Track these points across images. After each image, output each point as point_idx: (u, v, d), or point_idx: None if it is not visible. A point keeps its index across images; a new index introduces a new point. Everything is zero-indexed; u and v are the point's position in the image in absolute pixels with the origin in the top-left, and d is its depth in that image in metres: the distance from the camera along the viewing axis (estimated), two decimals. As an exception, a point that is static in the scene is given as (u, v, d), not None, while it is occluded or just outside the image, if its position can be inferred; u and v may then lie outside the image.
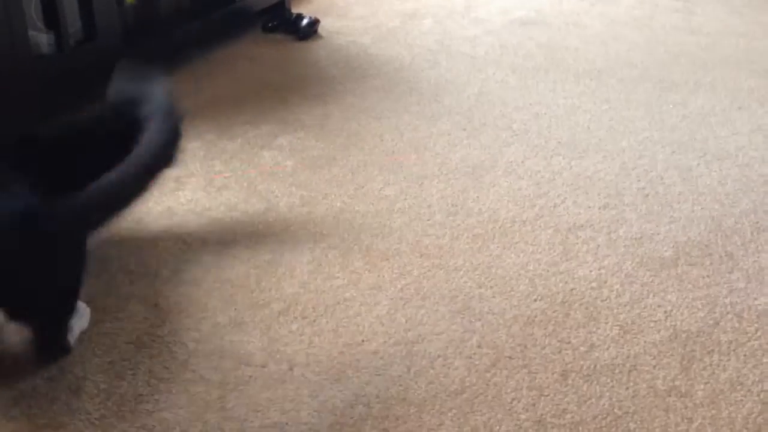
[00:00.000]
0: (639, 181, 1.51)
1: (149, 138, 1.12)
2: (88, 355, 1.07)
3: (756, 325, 1.13)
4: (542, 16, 2.59)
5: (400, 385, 1.02)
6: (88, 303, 1.11)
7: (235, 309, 1.16)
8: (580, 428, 0.95)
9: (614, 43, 2.30)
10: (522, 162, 1.59)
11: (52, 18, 1.65)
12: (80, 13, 1.71)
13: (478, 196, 1.45)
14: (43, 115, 1.48)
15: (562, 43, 2.31)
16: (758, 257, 1.27)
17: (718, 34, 2.36)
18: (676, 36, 2.35)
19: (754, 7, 2.65)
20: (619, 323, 1.13)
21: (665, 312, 1.15)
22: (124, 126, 1.17)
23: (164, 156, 1.16)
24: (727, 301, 1.17)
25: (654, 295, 1.19)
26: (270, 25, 2.38)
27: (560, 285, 1.21)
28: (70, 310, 1.04)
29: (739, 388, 1.01)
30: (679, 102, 1.87)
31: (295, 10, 2.51)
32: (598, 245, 1.30)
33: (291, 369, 1.05)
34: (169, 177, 1.50)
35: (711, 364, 1.05)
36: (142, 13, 1.99)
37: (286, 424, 0.96)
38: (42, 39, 1.65)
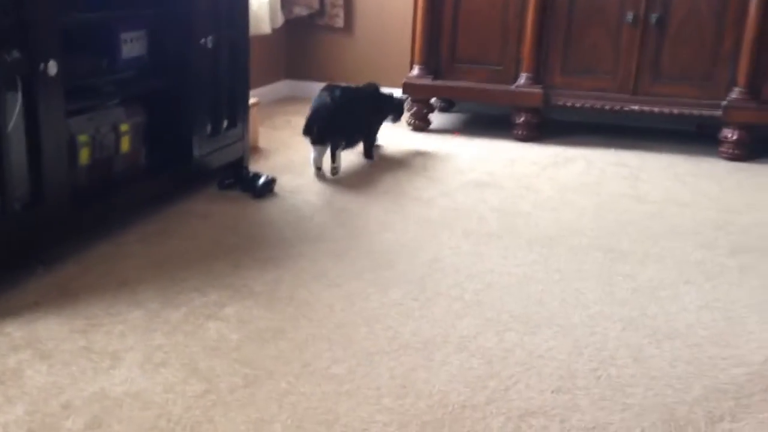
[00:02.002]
0: (591, 361, 1.49)
1: None
2: None
3: None
4: (495, 178, 2.66)
5: None
6: None
7: None
8: None
9: (565, 209, 2.36)
10: (474, 337, 1.56)
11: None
12: (29, 174, 1.69)
13: (428, 377, 1.41)
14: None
15: (514, 208, 2.35)
16: (714, 450, 1.23)
17: (664, 203, 2.44)
18: (624, 204, 2.42)
19: (697, 175, 2.77)
20: None
21: None
22: None
23: None
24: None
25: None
26: (226, 182, 2.39)
27: (512, 482, 1.15)
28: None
29: None
30: (629, 274, 1.89)
31: (252, 168, 2.54)
32: (551, 435, 1.26)
33: None
34: (105, 352, 1.44)
35: None
36: (94, 174, 1.98)
37: None
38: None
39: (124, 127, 2.07)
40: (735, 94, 2.92)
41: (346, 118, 2.64)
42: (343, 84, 2.83)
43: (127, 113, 2.09)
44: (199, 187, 2.38)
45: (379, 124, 2.93)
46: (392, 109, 2.95)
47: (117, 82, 2.05)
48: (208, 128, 2.32)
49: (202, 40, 2.21)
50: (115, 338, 1.49)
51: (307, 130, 2.54)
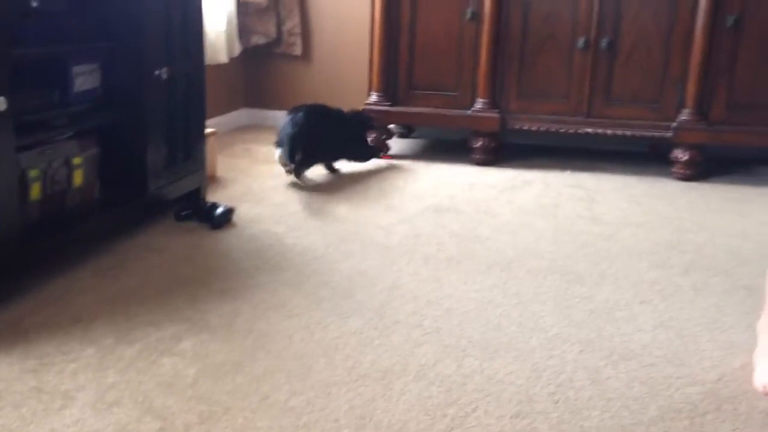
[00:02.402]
0: (549, 384, 1.49)
1: None
2: None
3: None
4: (454, 203, 2.68)
5: None
6: None
7: None
8: None
9: (523, 232, 2.38)
10: (433, 365, 1.56)
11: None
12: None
13: (387, 407, 1.40)
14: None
15: (473, 232, 2.37)
16: (670, 471, 1.25)
17: (619, 224, 2.48)
18: (580, 225, 2.46)
19: (650, 196, 2.83)
20: None
21: None
22: None
23: None
24: None
25: None
26: (183, 213, 2.37)
27: None
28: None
29: None
30: (586, 295, 1.91)
31: (210, 199, 2.53)
32: (510, 462, 1.26)
33: None
34: (56, 392, 1.41)
35: None
36: (46, 209, 1.95)
37: None
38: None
39: (77, 161, 2.05)
40: (684, 115, 2.99)
41: (321, 138, 2.87)
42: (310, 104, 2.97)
43: (80, 146, 2.06)
44: (155, 219, 2.36)
45: (360, 138, 3.11)
46: (363, 122, 3.12)
47: (69, 115, 2.02)
48: (164, 159, 2.30)
49: (156, 72, 2.20)
50: (67, 377, 1.46)
51: (290, 158, 2.77)
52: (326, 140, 2.91)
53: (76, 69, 2.05)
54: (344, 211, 2.56)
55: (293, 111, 2.86)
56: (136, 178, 2.22)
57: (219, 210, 2.35)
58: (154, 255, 2.10)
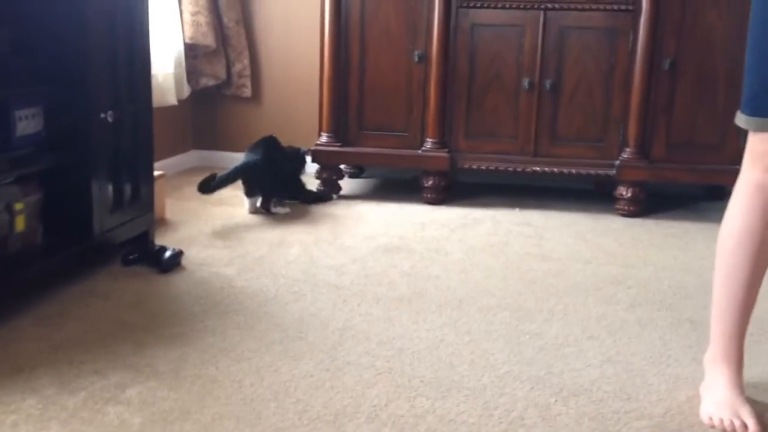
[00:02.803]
0: (501, 422, 1.50)
1: None
2: None
3: None
4: (405, 242, 2.69)
5: None
6: None
7: None
8: None
9: (473, 270, 2.41)
10: (386, 405, 1.55)
11: None
12: None
13: (339, 450, 1.39)
14: None
15: (424, 271, 2.38)
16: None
17: (567, 260, 2.53)
18: (529, 262, 2.49)
19: (596, 232, 2.89)
20: None
21: None
22: None
23: None
24: None
25: None
26: (131, 257, 2.33)
27: None
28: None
29: None
30: (535, 332, 1.93)
31: (159, 242, 2.49)
32: (463, 503, 1.25)
33: None
34: (-6, 446, 1.35)
35: None
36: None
37: None
38: None
39: (19, 206, 2.00)
40: (626, 154, 3.08)
41: (275, 172, 3.06)
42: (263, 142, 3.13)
43: (22, 191, 2.02)
44: (101, 264, 2.31)
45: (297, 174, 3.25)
46: (299, 161, 3.24)
47: (11, 160, 1.98)
48: (111, 203, 2.27)
49: (102, 115, 2.17)
50: (7, 429, 1.41)
51: (250, 192, 3.02)
52: (274, 175, 3.07)
53: (19, 113, 2.01)
54: (296, 252, 2.55)
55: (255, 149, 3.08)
56: (81, 222, 2.18)
57: (167, 253, 2.32)
58: (100, 301, 2.06)
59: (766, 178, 1.44)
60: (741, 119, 1.47)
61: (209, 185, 2.89)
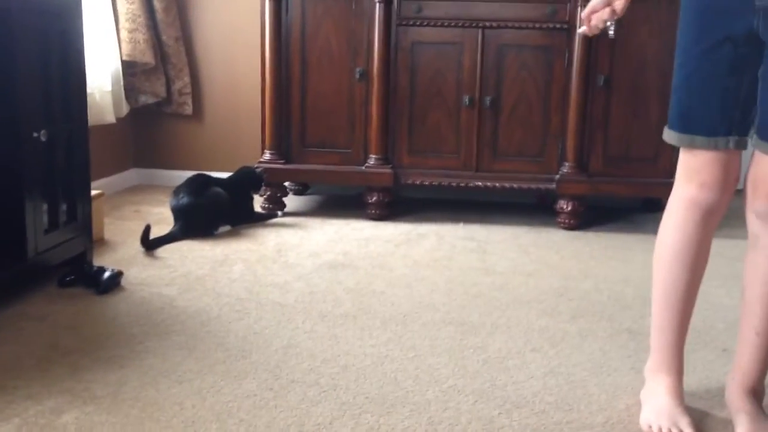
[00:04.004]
0: (446, 437, 1.50)
1: None
2: None
3: None
4: (350, 258, 2.69)
5: None
6: None
7: None
8: None
9: (418, 285, 2.41)
10: (330, 423, 1.54)
11: None
12: None
13: (282, 470, 1.37)
14: None
15: (369, 287, 2.38)
16: None
17: (510, 274, 2.56)
18: (473, 276, 2.52)
19: (538, 245, 2.93)
20: None
21: None
22: None
23: None
24: None
25: None
26: (67, 279, 2.27)
27: None
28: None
29: None
30: (479, 345, 1.95)
31: (97, 263, 2.43)
32: None
33: None
34: None
35: None
36: None
37: None
38: None
39: (-53, 227, 1.93)
40: (565, 168, 3.15)
41: (216, 208, 2.97)
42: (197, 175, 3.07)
43: (-50, 212, 1.95)
44: (35, 286, 2.24)
45: (250, 199, 3.20)
46: (253, 181, 3.18)
47: (-61, 179, 1.91)
48: (45, 224, 2.20)
49: (35, 134, 2.12)
50: (-68, 463, 1.35)
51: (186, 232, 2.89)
52: (222, 209, 3.01)
53: (-53, 131, 1.95)
54: (239, 270, 2.51)
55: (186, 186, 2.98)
56: (13, 243, 2.11)
57: (106, 274, 2.26)
58: (34, 323, 1.99)
59: (701, 193, 1.47)
60: (671, 136, 1.50)
61: (148, 242, 2.73)
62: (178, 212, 2.90)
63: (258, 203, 3.30)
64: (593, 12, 1.61)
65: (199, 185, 2.95)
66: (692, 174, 1.47)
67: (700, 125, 1.43)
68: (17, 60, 2.05)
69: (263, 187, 3.25)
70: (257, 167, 3.21)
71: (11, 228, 2.11)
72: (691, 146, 1.46)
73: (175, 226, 2.89)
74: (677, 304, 1.54)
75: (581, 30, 1.69)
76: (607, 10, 1.60)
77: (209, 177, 3.06)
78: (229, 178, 3.14)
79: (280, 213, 3.29)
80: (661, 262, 1.55)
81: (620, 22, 1.65)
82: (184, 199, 2.89)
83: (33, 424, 1.49)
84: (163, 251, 2.71)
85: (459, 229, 3.15)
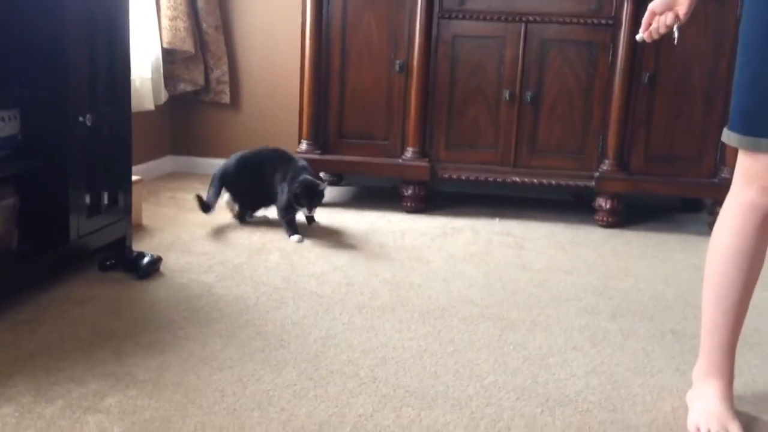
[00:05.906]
0: (488, 433, 1.49)
1: None
2: None
3: None
4: (386, 251, 2.68)
5: None
6: None
7: None
8: None
9: (455, 279, 2.40)
10: (371, 415, 1.53)
11: None
12: None
13: (325, 461, 1.36)
14: None
15: (406, 280, 2.37)
16: None
17: (548, 271, 2.53)
18: (511, 272, 2.49)
19: (576, 243, 2.90)
20: None
21: None
22: None
23: None
24: None
25: None
26: (108, 263, 2.29)
27: None
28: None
29: None
30: (519, 342, 1.93)
31: (136, 248, 2.45)
32: None
33: None
34: (-31, 457, 1.31)
35: None
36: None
37: None
38: None
39: (-6, 209, 1.95)
40: (605, 166, 3.11)
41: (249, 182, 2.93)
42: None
43: (-3, 194, 1.97)
44: (77, 270, 2.26)
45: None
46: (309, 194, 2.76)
47: (-13, 162, 1.94)
48: (87, 208, 2.22)
49: (80, 119, 2.13)
50: (-20, 440, 1.36)
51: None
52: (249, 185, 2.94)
53: (-5, 114, 1.97)
54: (275, 259, 2.52)
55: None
56: (57, 227, 2.13)
57: (145, 259, 2.27)
58: (77, 307, 2.01)
59: (761, 198, 1.41)
60: (731, 138, 1.43)
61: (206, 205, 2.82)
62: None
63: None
64: (654, 16, 1.56)
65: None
66: (752, 178, 1.42)
67: (765, 127, 1.38)
68: (66, 45, 2.06)
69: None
70: (321, 181, 2.82)
71: (55, 211, 2.13)
72: (755, 149, 1.40)
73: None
74: (731, 309, 1.50)
75: (640, 36, 1.62)
76: (670, 14, 1.53)
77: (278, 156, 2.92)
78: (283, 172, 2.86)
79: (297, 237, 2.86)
80: (715, 266, 1.51)
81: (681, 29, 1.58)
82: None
83: (76, 406, 1.50)
84: (199, 239, 2.72)
85: (495, 225, 3.12)
